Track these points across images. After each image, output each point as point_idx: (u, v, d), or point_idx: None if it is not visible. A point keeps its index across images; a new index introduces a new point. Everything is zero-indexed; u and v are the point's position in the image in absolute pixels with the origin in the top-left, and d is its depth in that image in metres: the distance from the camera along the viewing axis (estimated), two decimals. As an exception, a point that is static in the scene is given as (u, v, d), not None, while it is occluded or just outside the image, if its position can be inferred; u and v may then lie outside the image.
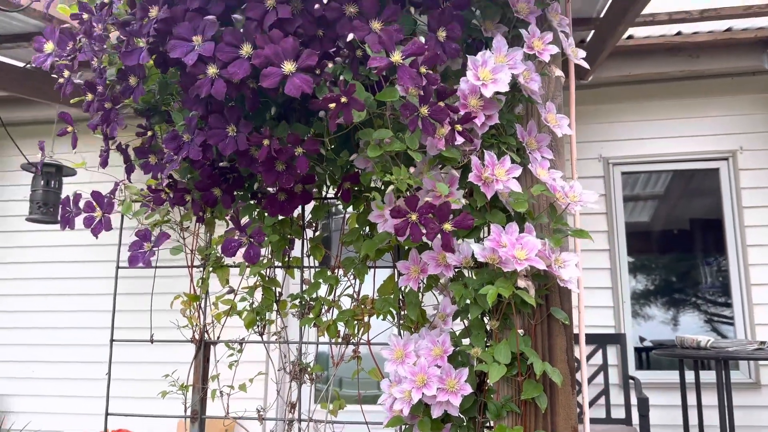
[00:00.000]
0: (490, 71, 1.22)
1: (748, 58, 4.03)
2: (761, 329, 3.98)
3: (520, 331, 1.35)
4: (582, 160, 4.35)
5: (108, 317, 4.45)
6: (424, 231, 1.17)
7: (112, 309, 1.86)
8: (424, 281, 1.42)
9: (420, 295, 1.50)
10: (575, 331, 1.49)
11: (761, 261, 4.04)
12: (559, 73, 1.34)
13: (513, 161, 1.30)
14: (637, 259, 4.47)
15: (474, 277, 1.35)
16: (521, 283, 1.25)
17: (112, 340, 1.77)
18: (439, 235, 1.17)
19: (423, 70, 1.14)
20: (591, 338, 3.96)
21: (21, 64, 4.01)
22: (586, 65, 1.38)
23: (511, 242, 1.23)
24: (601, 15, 3.33)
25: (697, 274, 4.41)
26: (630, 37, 3.90)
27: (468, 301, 1.33)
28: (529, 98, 1.33)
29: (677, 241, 4.61)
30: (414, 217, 1.18)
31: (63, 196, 3.97)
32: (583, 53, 1.38)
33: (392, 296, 1.54)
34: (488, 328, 1.37)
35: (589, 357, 3.94)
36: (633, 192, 4.51)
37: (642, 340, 4.39)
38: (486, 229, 1.34)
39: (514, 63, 1.26)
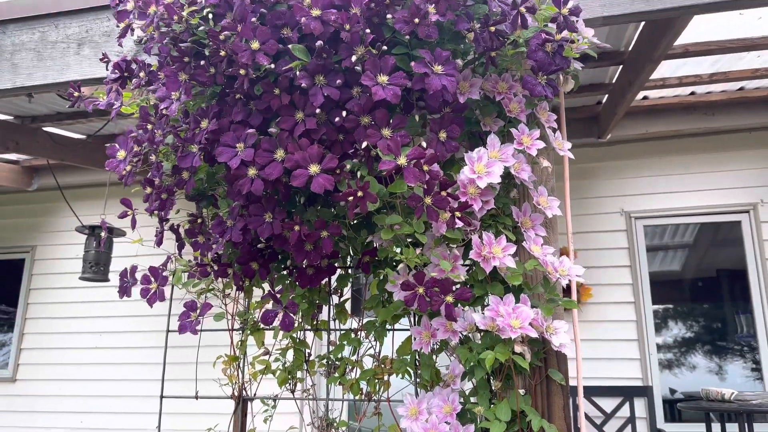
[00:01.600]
0: (485, 165, 1.43)
1: (763, 114, 4.17)
2: (793, 382, 3.97)
3: (521, 391, 1.51)
4: (605, 214, 4.49)
5: (153, 369, 4.71)
6: (429, 302, 1.37)
7: (162, 369, 2.08)
8: (437, 344, 1.60)
9: (434, 356, 1.68)
10: (574, 383, 1.64)
11: (789, 313, 4.07)
12: (546, 164, 1.54)
13: (509, 239, 1.49)
14: (665, 310, 4.53)
15: (479, 342, 1.53)
16: (518, 348, 1.43)
17: (162, 396, 1.99)
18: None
19: (426, 168, 1.35)
20: (618, 391, 4.01)
21: (77, 136, 4.42)
22: (571, 156, 1.58)
23: (507, 312, 1.42)
24: (613, 80, 3.54)
25: (726, 324, 4.43)
26: (645, 98, 4.08)
27: (473, 364, 1.50)
28: (522, 184, 1.53)
29: (704, 291, 4.66)
30: (421, 290, 1.38)
31: (113, 255, 4.31)
32: (569, 145, 1.58)
33: (409, 357, 1.73)
34: (493, 387, 1.54)
35: (616, 410, 3.98)
36: (657, 243, 4.60)
37: (673, 392, 4.41)
38: (488, 298, 1.53)
39: (506, 157, 1.47)
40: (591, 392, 4.09)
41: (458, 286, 1.51)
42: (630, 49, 3.01)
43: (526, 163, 1.51)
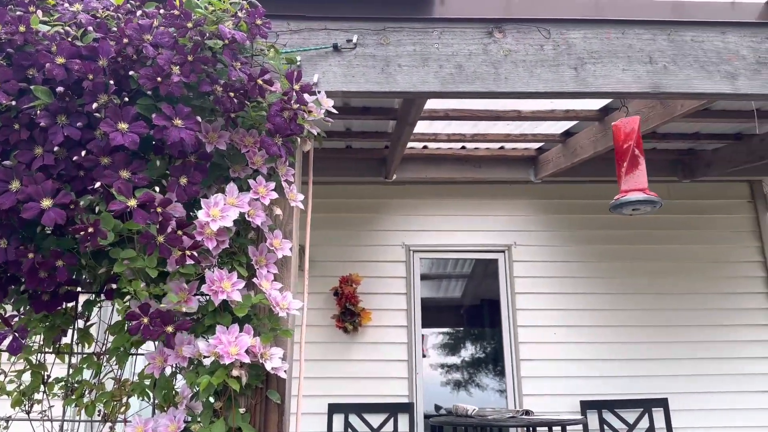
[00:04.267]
0: (220, 210, 1.63)
1: (519, 170, 4.94)
2: (528, 399, 4.69)
3: (242, 410, 1.72)
4: (389, 246, 4.95)
5: None
6: (153, 331, 1.52)
7: None
8: (176, 367, 1.75)
9: (173, 379, 1.82)
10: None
11: (528, 339, 4.81)
12: (278, 212, 1.78)
13: (240, 275, 1.70)
14: (435, 334, 5.10)
15: (207, 366, 1.71)
16: (236, 372, 1.63)
17: None
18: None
19: (159, 209, 1.52)
20: (384, 407, 4.43)
21: None
22: (302, 206, 1.85)
23: (228, 340, 1.62)
24: (392, 132, 3.99)
25: (484, 347, 5.12)
26: (425, 147, 4.63)
27: (197, 387, 1.68)
28: (259, 227, 1.76)
29: (470, 317, 5.35)
30: (146, 320, 1.53)
31: None
32: (301, 197, 1.85)
33: (149, 380, 1.85)
34: (215, 407, 1.72)
35: (381, 426, 4.39)
36: (434, 273, 5.19)
37: (438, 408, 4.95)
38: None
39: (243, 204, 1.68)
40: (362, 409, 4.46)
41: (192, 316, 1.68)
42: (399, 108, 3.46)
43: (261, 210, 1.74)
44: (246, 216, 1.71)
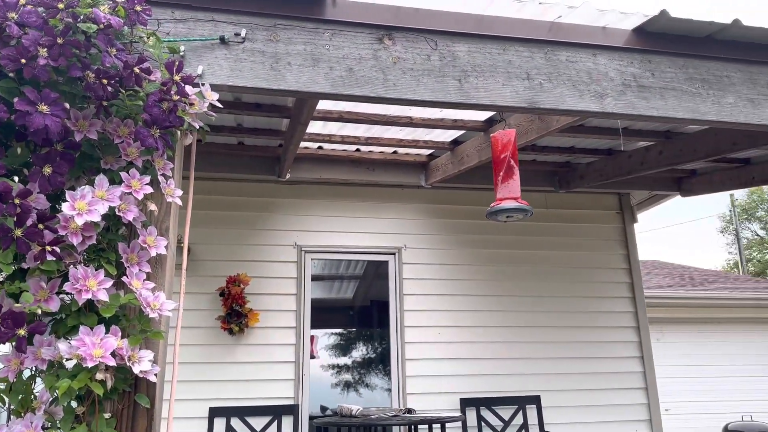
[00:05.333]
0: (87, 204, 1.54)
1: (411, 175, 5.06)
2: (412, 398, 4.81)
3: (107, 415, 1.62)
4: (280, 245, 4.89)
5: None
6: (4, 333, 1.40)
7: None
8: (36, 370, 1.62)
9: (33, 382, 1.69)
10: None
11: (415, 339, 4.94)
12: (153, 207, 1.71)
13: (108, 274, 1.61)
14: (326, 335, 5.10)
15: (70, 369, 1.60)
16: (100, 375, 1.54)
17: None
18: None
19: (17, 201, 1.40)
20: (268, 410, 4.37)
21: None
22: (178, 202, 1.78)
23: (93, 342, 1.52)
24: (285, 130, 3.95)
25: (374, 347, 5.18)
26: (320, 147, 4.62)
27: (57, 391, 1.57)
28: (131, 223, 1.67)
29: (360, 318, 5.39)
30: (-4, 321, 1.40)
31: None
32: (180, 192, 1.78)
33: (3, 384, 1.70)
34: (78, 412, 1.62)
35: (264, 428, 4.32)
36: (327, 274, 5.18)
37: (324, 409, 4.94)
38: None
39: (113, 198, 1.60)
40: (245, 412, 4.37)
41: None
42: (292, 107, 3.43)
43: (134, 205, 1.66)
44: (116, 211, 1.62)
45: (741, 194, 28.81)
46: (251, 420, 4.37)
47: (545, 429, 4.78)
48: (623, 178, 4.70)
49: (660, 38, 2.49)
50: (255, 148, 4.53)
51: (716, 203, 43.50)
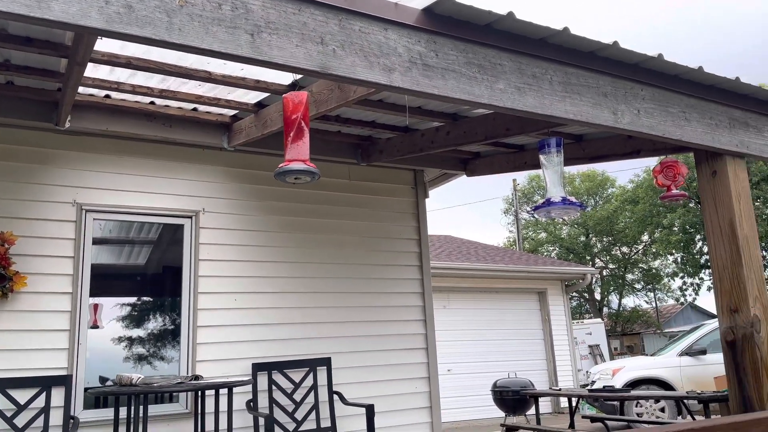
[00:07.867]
0: None
1: (213, 136, 4.86)
2: (203, 365, 4.68)
3: None
4: (56, 203, 4.41)
5: None
6: None
7: None
8: None
9: None
10: None
11: (209, 306, 4.81)
12: None
13: None
14: (110, 302, 4.71)
15: None
16: None
17: None
18: None
19: None
20: (37, 381, 3.97)
21: None
22: None
23: None
24: (64, 72, 3.53)
25: (164, 316, 4.92)
26: (107, 96, 4.21)
27: None
28: None
29: (149, 285, 5.06)
30: None
31: None
32: None
33: None
34: None
35: (30, 401, 3.92)
36: (113, 237, 4.77)
37: (104, 380, 4.59)
38: None
39: None
40: (7, 384, 3.90)
41: None
42: (71, 45, 3.08)
43: None
44: None
45: (522, 180, 32.66)
46: (14, 393, 3.91)
47: (334, 389, 4.99)
48: (416, 155, 5.02)
49: (446, 21, 2.66)
50: (28, 89, 3.99)
51: (503, 187, 48.70)
